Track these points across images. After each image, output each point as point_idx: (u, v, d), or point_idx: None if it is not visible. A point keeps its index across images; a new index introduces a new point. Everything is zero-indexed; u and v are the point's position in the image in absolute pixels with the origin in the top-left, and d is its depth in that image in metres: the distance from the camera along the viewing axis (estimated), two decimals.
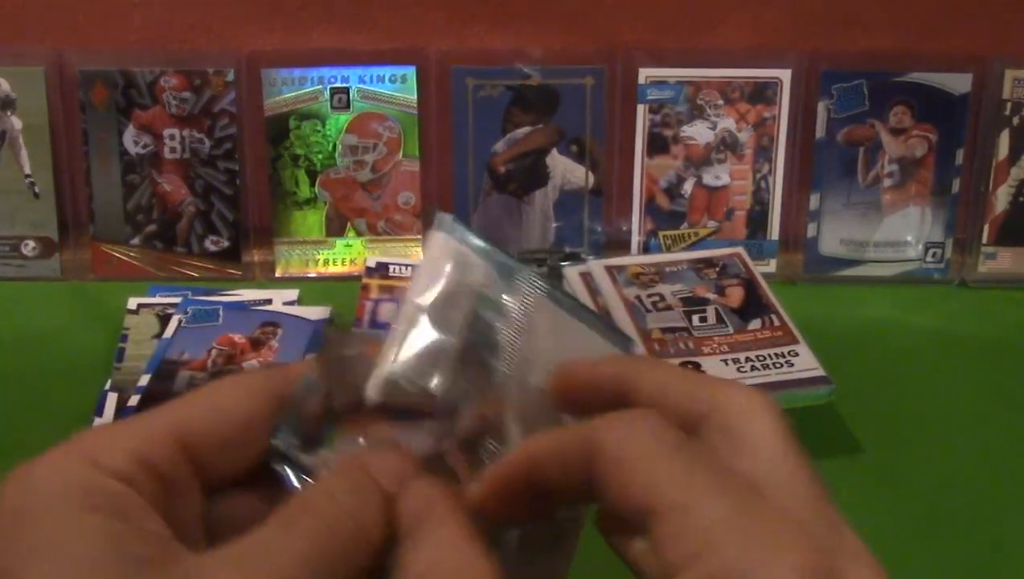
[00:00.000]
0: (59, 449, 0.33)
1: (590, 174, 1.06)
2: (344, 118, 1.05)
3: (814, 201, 1.06)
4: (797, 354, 0.81)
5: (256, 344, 0.91)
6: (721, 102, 1.05)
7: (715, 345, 0.82)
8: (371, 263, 1.01)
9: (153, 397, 0.85)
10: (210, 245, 1.06)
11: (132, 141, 1.04)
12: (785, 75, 1.04)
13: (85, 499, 0.31)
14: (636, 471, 0.33)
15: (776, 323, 0.85)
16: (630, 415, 0.35)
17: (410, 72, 1.04)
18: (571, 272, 0.92)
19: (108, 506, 0.31)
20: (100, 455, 0.33)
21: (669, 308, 0.86)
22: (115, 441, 0.33)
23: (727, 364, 0.80)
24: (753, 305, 0.87)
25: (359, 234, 1.07)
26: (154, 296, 0.98)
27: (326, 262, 1.07)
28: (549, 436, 0.36)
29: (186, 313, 0.94)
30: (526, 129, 1.05)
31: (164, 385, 0.86)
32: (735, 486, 0.32)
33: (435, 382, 0.38)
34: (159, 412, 0.35)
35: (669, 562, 0.31)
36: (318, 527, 0.32)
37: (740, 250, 0.95)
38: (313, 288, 1.03)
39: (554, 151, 1.06)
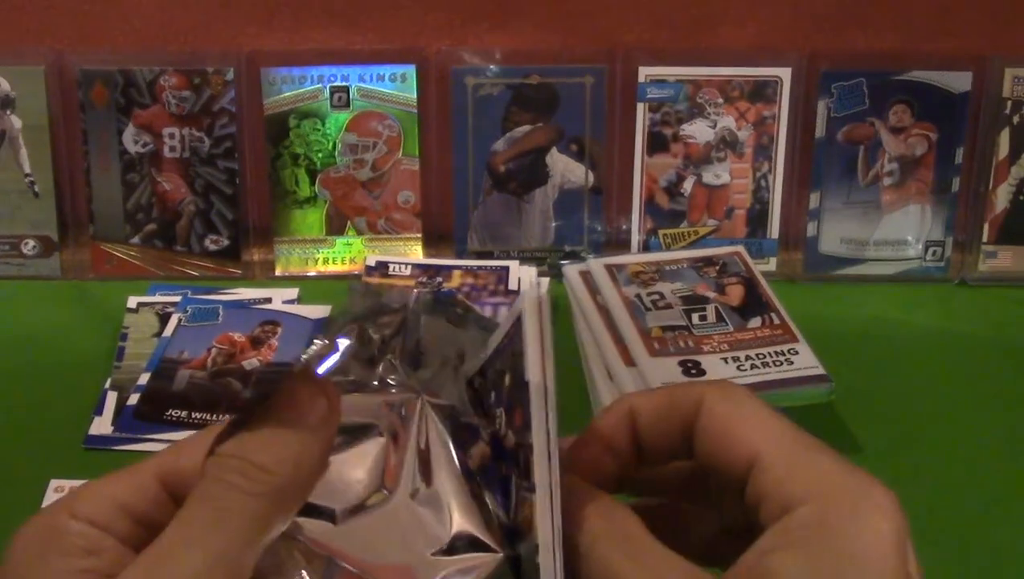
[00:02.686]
0: (48, 507, 0.37)
1: (590, 173, 1.06)
2: (344, 117, 1.05)
3: (814, 200, 1.06)
4: (797, 352, 0.81)
5: (256, 343, 0.91)
6: (721, 101, 1.05)
7: (715, 343, 0.82)
8: (371, 262, 1.01)
9: (153, 396, 0.85)
10: (210, 244, 1.06)
11: (132, 140, 1.04)
12: (785, 74, 1.04)
13: (59, 544, 0.35)
14: (745, 424, 0.36)
15: (776, 321, 0.85)
16: (729, 383, 0.38)
17: (410, 71, 1.04)
18: (571, 271, 0.92)
19: (81, 548, 0.35)
20: (80, 506, 0.36)
21: (669, 306, 0.86)
22: (97, 492, 0.36)
23: (727, 362, 0.80)
24: (753, 303, 0.87)
25: (359, 233, 1.07)
26: (154, 295, 0.98)
27: (326, 261, 1.07)
28: (652, 392, 0.39)
29: (186, 312, 0.94)
30: (526, 128, 1.05)
31: (164, 384, 0.86)
32: (822, 445, 0.35)
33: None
34: (147, 460, 0.38)
35: (777, 503, 0.34)
36: (215, 517, 0.33)
37: (740, 249, 0.95)
38: (313, 287, 1.03)
39: (554, 150, 1.06)
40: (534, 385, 0.36)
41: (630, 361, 0.81)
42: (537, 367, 0.36)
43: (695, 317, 0.85)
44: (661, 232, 1.07)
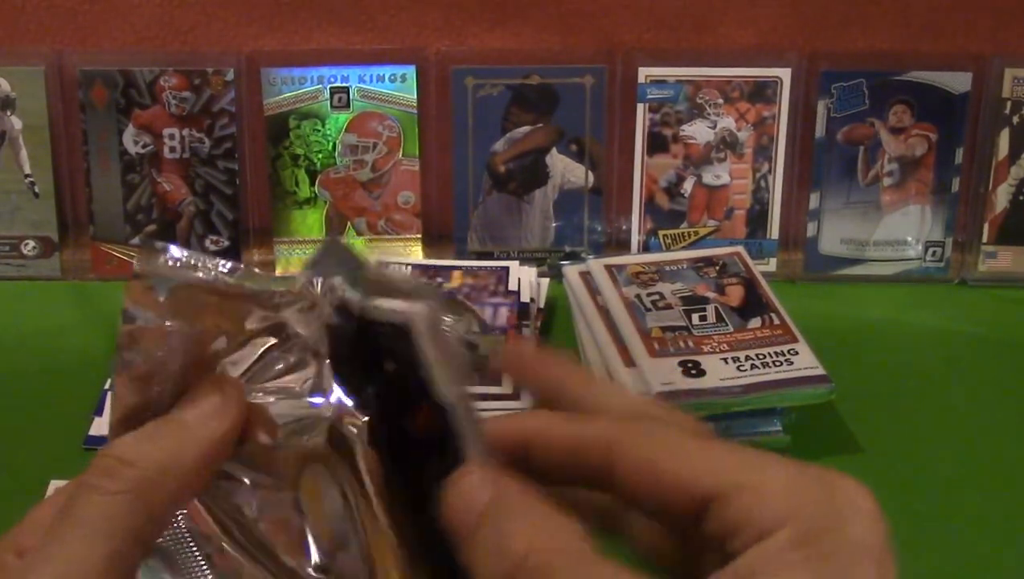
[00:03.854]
0: None
1: (590, 173, 1.06)
2: (344, 117, 1.05)
3: (814, 200, 1.06)
4: (797, 353, 0.81)
5: None
6: (721, 101, 1.05)
7: (715, 344, 0.82)
8: None
9: None
10: (210, 245, 1.06)
11: (132, 141, 1.04)
12: (785, 74, 1.04)
13: None
14: (682, 462, 0.33)
15: (776, 322, 0.85)
16: (643, 422, 0.35)
17: (410, 71, 1.04)
18: (571, 272, 0.92)
19: None
20: (23, 539, 0.37)
21: (669, 307, 0.86)
22: (39, 523, 0.37)
23: (727, 363, 0.80)
24: (753, 304, 0.87)
25: (359, 233, 1.07)
26: None
27: None
28: (562, 422, 0.35)
29: None
30: (526, 128, 1.05)
31: None
32: (775, 457, 0.33)
33: None
34: None
35: (753, 531, 0.31)
36: (72, 524, 0.33)
37: (740, 249, 0.95)
38: None
39: (554, 150, 1.06)
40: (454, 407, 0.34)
41: (630, 362, 0.81)
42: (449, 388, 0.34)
43: (695, 317, 0.85)
44: (661, 233, 1.07)
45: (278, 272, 1.06)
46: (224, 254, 1.05)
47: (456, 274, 0.95)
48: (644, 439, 0.34)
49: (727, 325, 0.84)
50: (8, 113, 1.03)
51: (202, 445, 0.35)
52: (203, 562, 0.37)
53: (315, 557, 0.37)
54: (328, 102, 1.04)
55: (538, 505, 0.32)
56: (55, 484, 0.76)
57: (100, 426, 0.82)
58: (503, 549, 0.31)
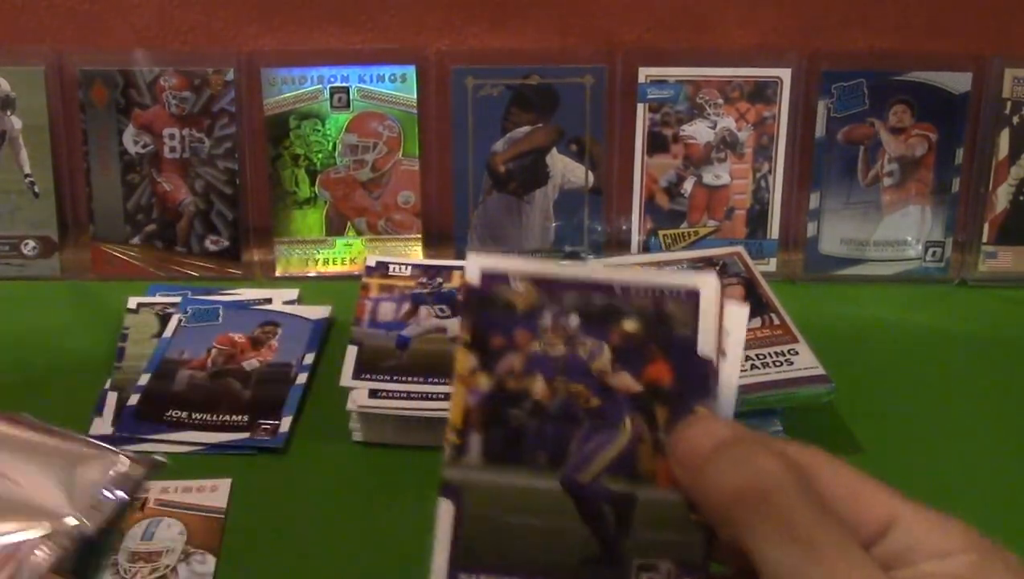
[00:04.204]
0: None
1: (590, 173, 1.06)
2: (344, 117, 1.05)
3: (814, 200, 1.06)
4: (797, 353, 0.81)
5: (256, 343, 0.91)
6: (721, 101, 1.05)
7: None
8: (371, 262, 1.01)
9: (153, 396, 0.85)
10: (210, 244, 1.06)
11: (132, 141, 1.04)
12: (785, 74, 1.04)
13: None
14: (874, 488, 0.37)
15: (776, 322, 0.85)
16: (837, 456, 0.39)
17: (410, 71, 1.04)
18: None
19: None
20: None
21: None
22: None
23: None
24: (753, 304, 0.87)
25: (359, 233, 1.07)
26: (154, 295, 0.98)
27: (326, 261, 1.07)
28: (770, 440, 0.39)
29: (186, 312, 0.94)
30: (526, 128, 1.05)
31: (164, 384, 0.86)
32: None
33: None
34: None
35: (931, 550, 0.35)
36: None
37: (740, 249, 0.95)
38: (313, 287, 1.03)
39: (554, 150, 1.06)
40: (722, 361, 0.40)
41: None
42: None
43: None
44: (661, 233, 1.07)
45: (278, 272, 1.06)
46: (224, 254, 1.05)
47: (456, 274, 0.95)
48: (845, 467, 0.38)
49: None
50: (8, 113, 1.03)
51: None
52: None
53: None
54: (328, 102, 1.04)
55: (772, 442, 0.36)
56: None
57: (100, 426, 0.82)
58: (743, 476, 0.35)
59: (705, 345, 0.40)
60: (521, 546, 0.40)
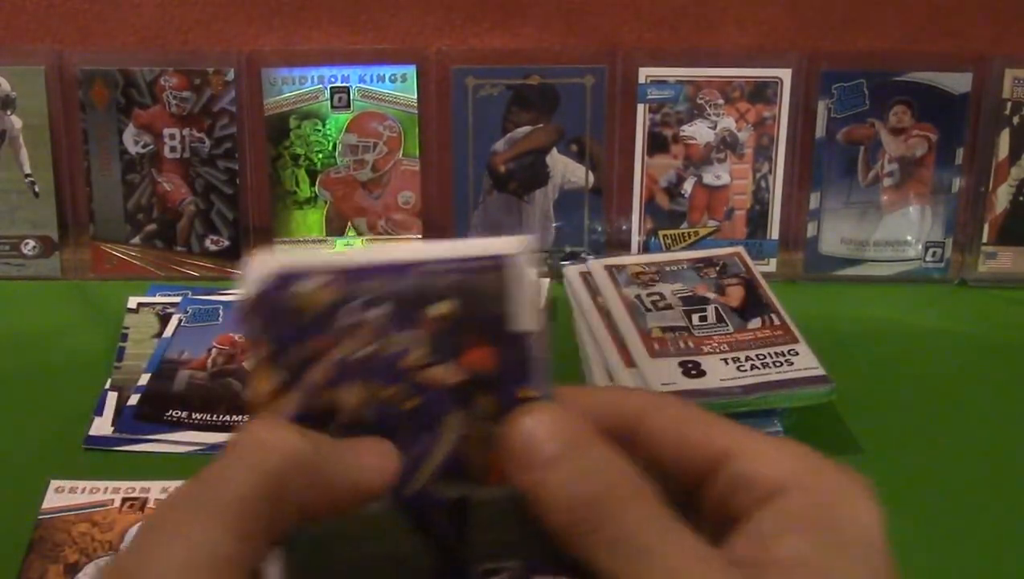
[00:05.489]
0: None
1: (590, 173, 1.06)
2: (344, 117, 1.05)
3: (814, 200, 1.06)
4: (797, 353, 0.81)
5: None
6: (721, 101, 1.05)
7: (715, 344, 0.82)
8: None
9: (153, 396, 0.85)
10: (210, 244, 1.06)
11: (132, 140, 1.04)
12: (785, 75, 1.04)
13: None
14: (703, 423, 0.36)
15: (776, 322, 0.85)
16: (670, 396, 0.38)
17: (410, 71, 1.04)
18: (571, 272, 0.92)
19: None
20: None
21: (669, 307, 0.86)
22: None
23: (727, 363, 0.80)
24: (753, 304, 0.87)
25: (359, 233, 1.07)
26: (154, 295, 0.98)
27: None
28: (599, 391, 0.39)
29: (186, 312, 0.94)
30: (526, 129, 1.05)
31: (164, 384, 0.86)
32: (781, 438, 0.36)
33: None
34: None
35: (762, 489, 0.33)
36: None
37: (740, 249, 0.95)
38: None
39: (554, 150, 1.06)
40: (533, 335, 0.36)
41: (630, 362, 0.81)
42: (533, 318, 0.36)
43: (695, 318, 0.85)
44: (661, 233, 1.07)
45: None
46: (224, 254, 1.05)
47: None
48: (671, 407, 0.37)
49: (727, 325, 0.84)
50: (8, 112, 1.03)
51: (350, 485, 0.34)
52: None
53: None
54: (328, 102, 1.04)
55: (611, 447, 0.34)
56: (55, 484, 0.76)
57: (100, 426, 0.82)
58: (582, 487, 0.33)
59: (520, 319, 0.36)
60: (360, 574, 0.36)
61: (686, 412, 0.36)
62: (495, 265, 0.36)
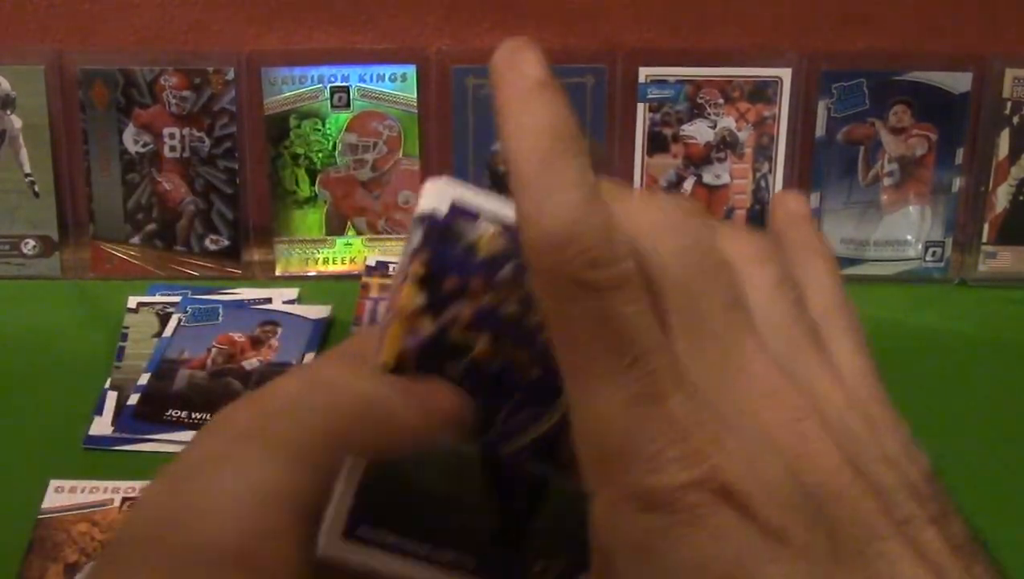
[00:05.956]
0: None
1: None
2: (344, 117, 1.05)
3: (814, 200, 1.06)
4: None
5: (256, 343, 0.91)
6: (721, 101, 1.05)
7: None
8: (371, 262, 1.01)
9: (153, 396, 0.85)
10: (210, 244, 1.06)
11: (132, 140, 1.04)
12: (785, 74, 1.04)
13: None
14: None
15: None
16: None
17: (410, 71, 1.04)
18: None
19: None
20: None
21: None
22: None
23: None
24: None
25: (359, 233, 1.07)
26: (154, 295, 0.98)
27: (326, 261, 1.07)
28: None
29: (186, 312, 0.94)
30: None
31: (164, 384, 0.86)
32: None
33: None
34: None
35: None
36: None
37: None
38: (313, 287, 1.03)
39: None
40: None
41: None
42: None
43: None
44: None
45: (278, 272, 1.06)
46: (224, 254, 1.05)
47: None
48: None
49: None
50: (8, 112, 1.03)
51: (413, 432, 0.33)
52: None
53: None
54: (328, 102, 1.04)
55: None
56: (55, 484, 0.76)
57: (100, 426, 0.82)
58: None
59: None
60: (427, 510, 0.37)
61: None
62: None
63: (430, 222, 0.36)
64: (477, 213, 0.36)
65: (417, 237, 0.36)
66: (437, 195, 0.37)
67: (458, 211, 0.37)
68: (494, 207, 0.36)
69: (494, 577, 0.37)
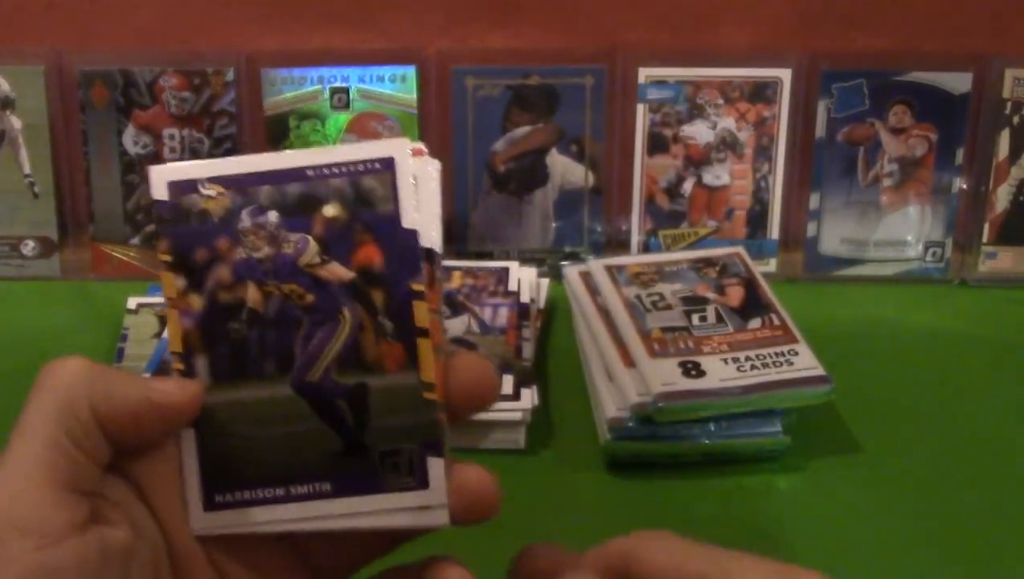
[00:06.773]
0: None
1: (590, 174, 1.06)
2: (344, 118, 1.05)
3: (814, 200, 1.06)
4: (797, 353, 0.81)
5: None
6: (721, 101, 1.05)
7: (715, 344, 0.82)
8: None
9: None
10: None
11: (132, 141, 1.04)
12: (785, 75, 1.04)
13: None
14: (694, 558, 0.40)
15: (776, 322, 0.85)
16: (652, 533, 0.42)
17: (410, 71, 1.04)
18: (571, 272, 0.92)
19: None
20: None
21: (669, 307, 0.86)
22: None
23: (727, 363, 0.80)
24: (753, 304, 0.87)
25: None
26: (154, 295, 0.98)
27: None
28: (591, 555, 0.42)
29: None
30: (526, 129, 1.05)
31: None
32: (760, 558, 0.40)
33: None
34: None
35: None
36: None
37: (740, 249, 0.95)
38: None
39: (554, 151, 1.06)
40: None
41: (630, 362, 0.81)
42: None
43: (695, 318, 0.85)
44: (661, 233, 1.07)
45: None
46: None
47: (456, 274, 0.95)
48: (662, 541, 0.41)
49: (727, 326, 0.84)
50: (8, 113, 1.03)
51: (143, 398, 0.39)
52: None
53: None
54: (328, 102, 1.04)
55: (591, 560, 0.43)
56: None
57: None
58: None
59: (408, 216, 0.39)
60: (269, 457, 0.40)
61: (678, 546, 0.40)
62: (380, 166, 0.40)
63: (157, 210, 0.40)
64: (193, 181, 0.40)
65: (156, 231, 0.39)
66: (156, 183, 0.40)
67: (176, 188, 0.40)
68: (203, 169, 0.40)
69: (354, 490, 0.40)
